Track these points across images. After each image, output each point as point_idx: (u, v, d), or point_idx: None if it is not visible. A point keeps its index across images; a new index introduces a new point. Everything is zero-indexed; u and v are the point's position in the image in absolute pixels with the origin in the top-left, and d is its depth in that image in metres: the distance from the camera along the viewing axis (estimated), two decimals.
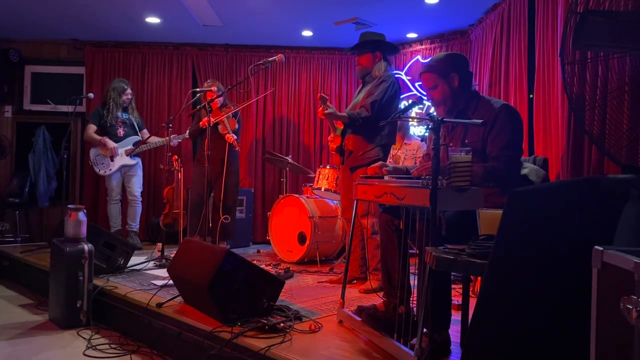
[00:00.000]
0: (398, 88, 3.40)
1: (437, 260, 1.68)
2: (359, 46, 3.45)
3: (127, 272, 3.66)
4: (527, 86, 3.96)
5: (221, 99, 4.57)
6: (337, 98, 6.03)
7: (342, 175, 3.56)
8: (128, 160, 5.03)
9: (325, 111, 3.26)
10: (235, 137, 4.32)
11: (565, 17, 2.44)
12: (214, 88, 4.40)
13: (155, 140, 5.01)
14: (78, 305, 3.01)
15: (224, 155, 4.43)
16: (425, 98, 5.34)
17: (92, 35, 5.83)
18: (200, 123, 4.46)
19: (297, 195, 4.46)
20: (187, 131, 4.85)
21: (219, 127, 4.31)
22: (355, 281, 3.45)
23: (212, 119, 4.21)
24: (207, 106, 3.60)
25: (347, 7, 4.72)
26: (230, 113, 4.33)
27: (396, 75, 5.84)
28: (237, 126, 4.48)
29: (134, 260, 3.81)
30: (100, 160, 4.98)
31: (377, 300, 2.58)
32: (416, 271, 2.03)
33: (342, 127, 3.45)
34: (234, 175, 4.67)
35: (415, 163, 4.51)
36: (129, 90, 5.08)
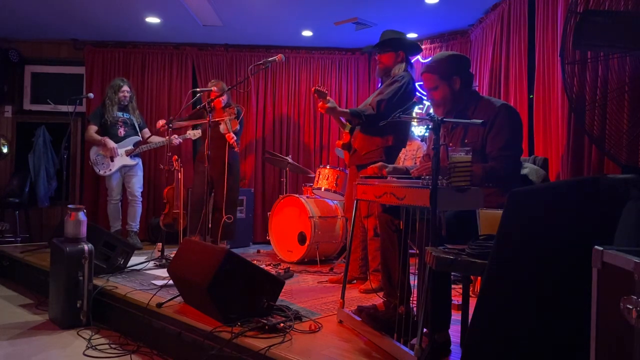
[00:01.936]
0: (411, 90, 3.28)
1: (437, 260, 1.68)
2: (381, 44, 3.35)
3: (127, 272, 3.66)
4: (527, 86, 3.96)
5: (225, 98, 4.58)
6: (338, 98, 6.02)
7: (350, 172, 3.50)
8: (128, 161, 5.02)
9: (326, 105, 3.19)
10: (235, 137, 4.32)
11: (565, 17, 2.44)
12: (215, 88, 4.40)
13: (157, 140, 5.00)
14: (78, 305, 3.01)
15: (224, 155, 4.43)
16: (425, 98, 5.36)
17: (92, 35, 5.83)
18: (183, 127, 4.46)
19: (297, 195, 4.46)
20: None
21: (221, 127, 4.30)
22: (355, 281, 3.45)
23: (215, 119, 4.22)
24: (207, 106, 3.60)
25: (347, 7, 4.72)
26: (233, 115, 4.33)
27: None
28: (238, 127, 4.48)
29: (134, 260, 3.81)
30: (101, 160, 4.97)
31: (377, 300, 2.58)
32: (416, 271, 2.04)
33: (350, 125, 3.41)
34: (235, 175, 4.67)
35: (415, 163, 4.51)
36: (125, 87, 5.04)
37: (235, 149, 4.41)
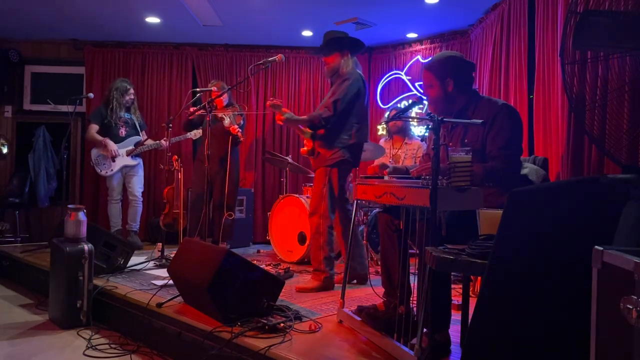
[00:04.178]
0: (362, 86, 3.30)
1: (437, 260, 1.68)
2: (325, 46, 3.37)
3: (127, 272, 3.66)
4: (527, 86, 3.95)
5: (226, 97, 4.58)
6: None
7: (316, 175, 3.46)
8: (129, 161, 5.03)
9: (282, 117, 3.20)
10: (239, 129, 4.34)
11: (565, 17, 2.44)
12: (215, 88, 4.40)
13: (149, 142, 5.03)
14: (78, 305, 3.00)
15: (223, 153, 4.44)
16: (425, 98, 5.36)
17: (92, 35, 5.83)
18: (190, 113, 4.41)
19: (297, 195, 4.46)
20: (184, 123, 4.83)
21: (225, 121, 4.30)
22: (354, 281, 3.44)
23: (218, 113, 4.22)
24: (207, 106, 3.59)
25: (347, 7, 4.72)
26: (237, 111, 4.34)
27: (395, 75, 5.88)
28: (242, 122, 4.49)
29: (134, 260, 3.81)
30: (102, 160, 4.98)
31: (377, 300, 2.59)
32: (416, 271, 2.04)
33: (310, 131, 3.38)
34: (235, 173, 4.67)
35: (415, 163, 4.51)
36: (131, 90, 5.08)
37: (241, 139, 4.43)
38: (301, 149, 3.52)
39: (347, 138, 3.26)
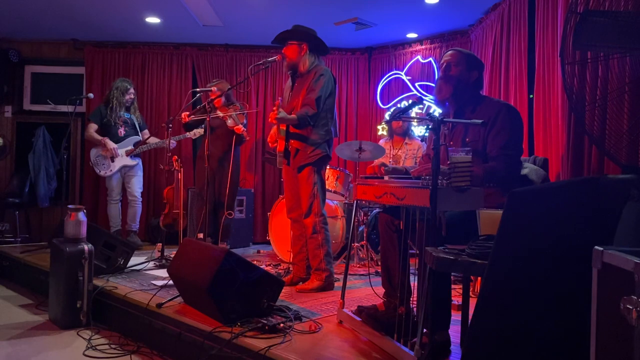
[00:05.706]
0: (334, 82, 3.37)
1: (437, 260, 1.68)
2: (281, 37, 3.38)
3: (127, 272, 3.66)
4: (527, 86, 3.95)
5: (223, 97, 4.58)
6: (337, 98, 6.01)
7: (286, 176, 3.47)
8: (128, 161, 5.03)
9: (277, 116, 3.20)
10: (244, 128, 4.34)
11: (565, 17, 2.43)
12: (215, 88, 4.39)
13: (154, 141, 5.02)
14: (78, 305, 3.00)
15: (222, 154, 4.44)
16: (425, 98, 5.36)
17: (92, 35, 5.83)
18: (188, 116, 4.37)
19: None
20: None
21: (229, 122, 4.29)
22: (300, 282, 3.36)
23: (219, 114, 4.22)
24: (207, 105, 3.59)
25: (347, 7, 4.72)
26: (238, 110, 4.34)
27: (395, 76, 5.87)
28: (245, 121, 4.49)
29: (134, 260, 3.81)
30: (101, 160, 4.98)
31: (377, 300, 2.59)
32: (416, 271, 2.04)
33: (284, 129, 3.37)
34: (236, 173, 4.67)
35: (415, 163, 4.51)
36: (131, 90, 5.08)
37: (246, 138, 4.44)
38: (277, 148, 3.49)
39: (324, 134, 3.31)
